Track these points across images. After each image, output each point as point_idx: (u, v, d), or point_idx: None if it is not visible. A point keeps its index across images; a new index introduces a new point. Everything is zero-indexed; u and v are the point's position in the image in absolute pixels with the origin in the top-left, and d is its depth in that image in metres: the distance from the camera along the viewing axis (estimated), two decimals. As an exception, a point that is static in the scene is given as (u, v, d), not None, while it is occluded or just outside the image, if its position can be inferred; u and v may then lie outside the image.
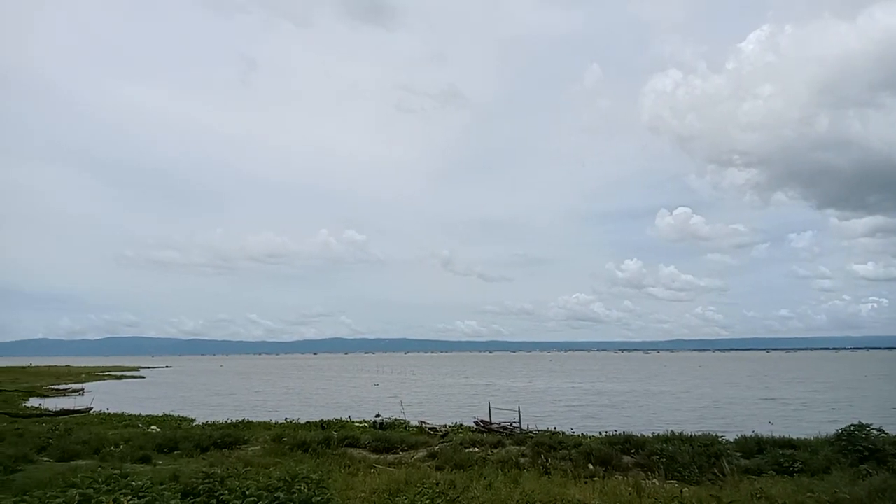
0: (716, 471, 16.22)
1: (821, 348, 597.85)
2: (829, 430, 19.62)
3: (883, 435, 17.18)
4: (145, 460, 18.80)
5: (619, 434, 21.53)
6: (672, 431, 21.46)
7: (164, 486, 9.49)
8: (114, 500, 7.79)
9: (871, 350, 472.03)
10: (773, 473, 15.62)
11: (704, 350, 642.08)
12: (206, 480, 10.14)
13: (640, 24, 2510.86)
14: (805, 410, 46.26)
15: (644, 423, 35.71)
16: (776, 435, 20.82)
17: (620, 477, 15.70)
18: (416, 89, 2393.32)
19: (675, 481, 15.49)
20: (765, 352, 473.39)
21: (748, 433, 21.67)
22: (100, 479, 8.94)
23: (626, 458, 18.98)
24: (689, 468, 17.10)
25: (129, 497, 8.08)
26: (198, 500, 9.24)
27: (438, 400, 59.13)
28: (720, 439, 19.87)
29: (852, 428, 17.42)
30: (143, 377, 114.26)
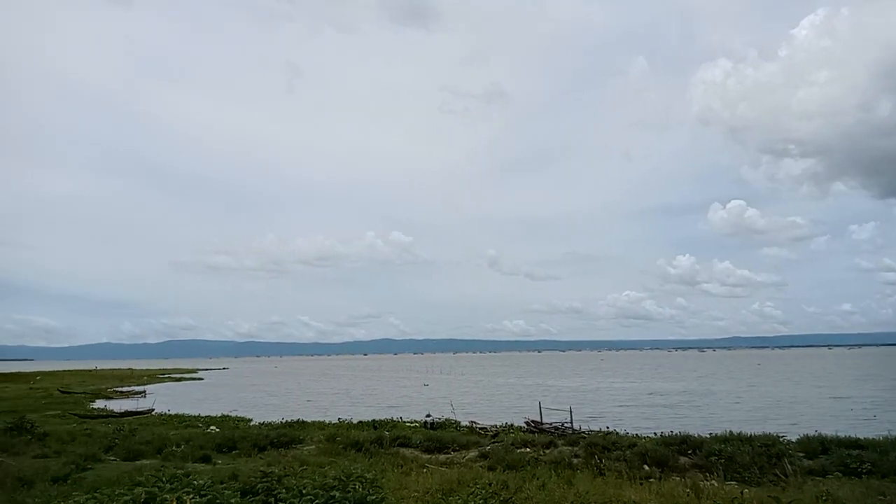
0: (777, 472, 15.67)
1: (887, 344, 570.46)
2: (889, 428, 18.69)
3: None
4: (205, 460, 19.38)
5: (676, 434, 21.04)
6: (730, 431, 20.88)
7: (224, 485, 9.78)
8: (177, 499, 8.08)
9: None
10: (840, 475, 15.01)
11: (762, 347, 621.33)
12: (264, 479, 10.39)
13: (687, 14, 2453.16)
14: (876, 409, 44.21)
15: (701, 423, 34.74)
16: (842, 435, 19.99)
17: (677, 478, 15.34)
18: (458, 90, 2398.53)
19: (734, 483, 15.04)
20: (827, 348, 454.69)
21: (811, 433, 20.87)
22: (164, 478, 9.29)
23: (683, 459, 18.53)
24: (749, 469, 16.57)
25: (191, 495, 8.37)
26: (256, 498, 9.48)
27: (488, 400, 58.94)
28: (781, 439, 19.21)
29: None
30: (201, 379, 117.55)
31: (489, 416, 38.82)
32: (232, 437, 23.69)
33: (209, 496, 8.51)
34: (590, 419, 34.49)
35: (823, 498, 10.36)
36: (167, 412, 44.70)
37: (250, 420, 38.22)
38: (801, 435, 20.63)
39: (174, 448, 21.64)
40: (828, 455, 17.62)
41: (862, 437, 19.52)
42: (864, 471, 15.50)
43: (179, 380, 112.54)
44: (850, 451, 17.27)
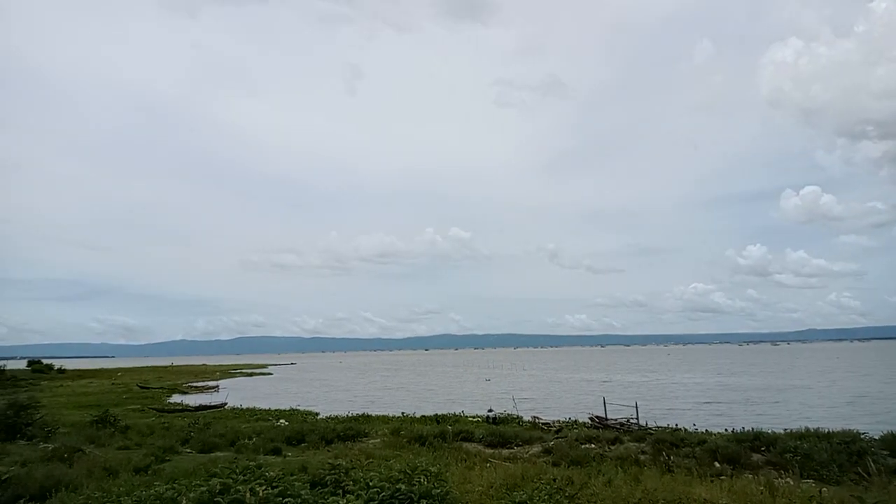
0: (859, 470, 14.90)
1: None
2: None
3: None
4: (276, 452, 20.02)
5: (748, 431, 20.33)
6: (807, 428, 20.00)
7: (294, 477, 10.08)
8: (250, 490, 8.38)
9: None
10: (929, 474, 14.14)
11: (841, 340, 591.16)
12: (332, 471, 10.63)
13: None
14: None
15: (778, 420, 33.40)
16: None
17: (750, 476, 14.80)
18: (515, 83, 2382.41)
19: (811, 481, 14.39)
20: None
21: (888, 429, 19.72)
22: (237, 470, 9.65)
23: (756, 456, 17.89)
24: (827, 467, 15.84)
25: (263, 487, 8.66)
26: (325, 489, 9.72)
27: (551, 395, 58.44)
28: (863, 436, 18.25)
29: None
30: (270, 374, 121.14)
31: (552, 412, 38.52)
32: (300, 430, 24.37)
33: (280, 487, 8.78)
34: (657, 415, 33.68)
35: (911, 499, 9.78)
36: (239, 406, 46.30)
37: (317, 413, 39.15)
38: (886, 431, 19.52)
39: (246, 441, 22.44)
40: (915, 453, 16.64)
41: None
42: (956, 470, 14.55)
43: (250, 375, 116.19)
44: (939, 450, 16.27)
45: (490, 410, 34.13)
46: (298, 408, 43.95)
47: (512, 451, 20.77)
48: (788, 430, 20.23)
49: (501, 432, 22.98)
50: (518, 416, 32.56)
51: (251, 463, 10.78)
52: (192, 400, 54.97)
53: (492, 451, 20.65)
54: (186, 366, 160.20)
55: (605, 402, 33.43)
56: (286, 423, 29.85)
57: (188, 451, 20.69)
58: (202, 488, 8.46)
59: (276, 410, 41.97)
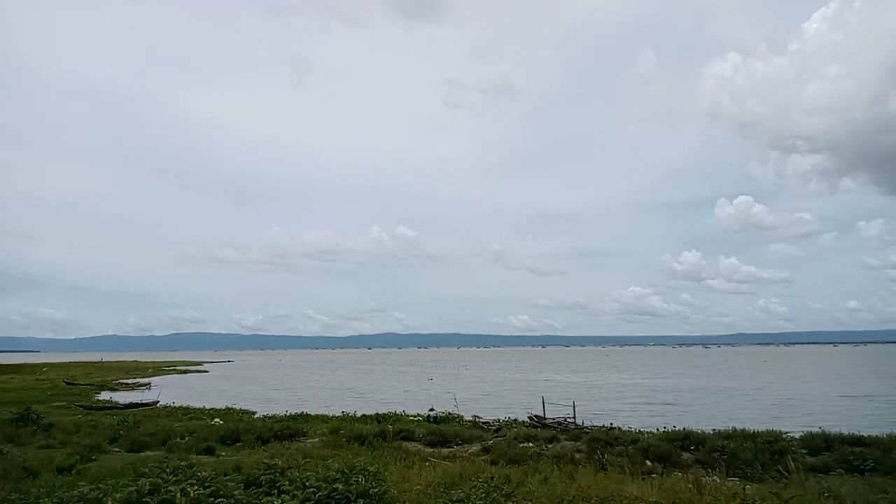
0: (780, 468, 15.67)
1: (893, 342, 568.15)
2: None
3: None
4: (209, 451, 19.50)
5: (678, 430, 21.08)
6: (734, 428, 20.87)
7: (227, 477, 9.85)
8: (181, 490, 8.13)
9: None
10: (842, 472, 15.00)
11: (768, 344, 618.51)
12: (268, 471, 10.45)
13: (697, 7, 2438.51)
14: (881, 408, 44.07)
15: (709, 420, 34.66)
16: (845, 432, 19.95)
17: (679, 474, 15.34)
18: (465, 84, 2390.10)
19: (736, 479, 15.04)
20: (832, 345, 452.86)
21: (813, 429, 20.83)
22: (168, 470, 9.35)
23: (686, 455, 18.56)
24: (751, 465, 16.60)
25: (195, 487, 8.42)
26: (260, 490, 9.54)
27: (492, 395, 59.02)
28: (785, 436, 19.20)
29: (929, 425, 16.55)
30: (206, 371, 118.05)
31: (493, 411, 38.88)
32: (236, 429, 23.82)
33: (213, 487, 8.55)
34: (594, 415, 34.45)
35: (825, 495, 10.35)
36: (172, 404, 44.89)
37: (254, 412, 38.37)
38: (805, 432, 20.59)
39: (178, 440, 21.78)
40: (831, 452, 17.63)
41: (865, 435, 19.47)
42: (867, 468, 15.50)
43: (184, 372, 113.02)
44: (853, 449, 17.27)
45: (431, 409, 34.17)
46: (234, 406, 42.90)
47: (452, 449, 20.87)
48: (717, 430, 21.05)
49: (442, 431, 23.05)
50: (459, 416, 32.73)
51: (183, 463, 10.46)
52: (123, 397, 52.92)
53: (432, 449, 20.70)
54: (117, 362, 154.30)
55: (543, 402, 33.96)
56: (221, 422, 29.10)
57: (116, 450, 19.93)
58: (130, 488, 8.14)
59: (210, 409, 40.83)
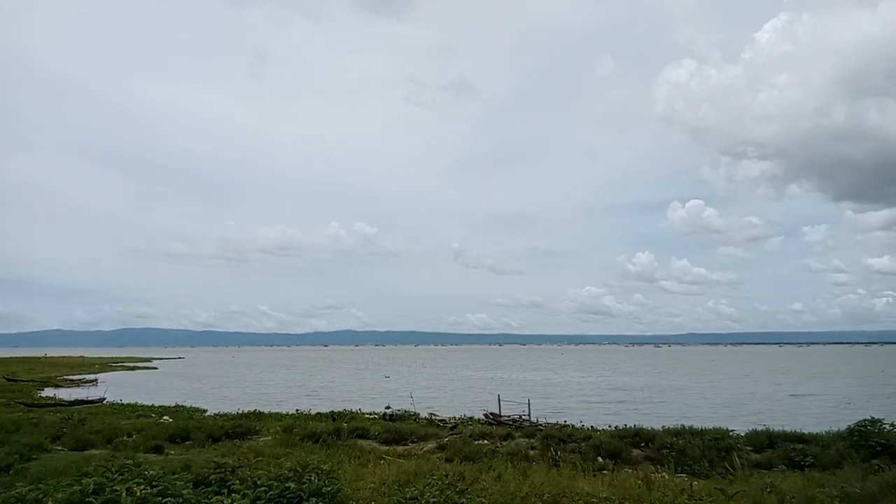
0: (726, 465, 16.18)
1: (834, 342, 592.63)
2: (844, 425, 19.39)
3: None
4: (158, 450, 19.03)
5: (629, 427, 21.50)
6: (683, 425, 21.39)
7: (176, 476, 9.60)
8: (127, 489, 7.89)
9: (885, 345, 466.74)
10: (784, 468, 15.56)
11: (716, 344, 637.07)
12: (218, 470, 10.25)
13: (655, 14, 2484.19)
14: (824, 406, 45.91)
15: (661, 418, 35.47)
16: (788, 429, 20.70)
17: (630, 470, 15.69)
18: (426, 82, 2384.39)
19: (684, 475, 15.46)
20: (777, 346, 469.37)
21: (759, 427, 21.53)
22: (113, 469, 9.06)
23: (636, 452, 18.97)
24: (699, 462, 17.07)
25: (141, 486, 8.18)
26: (209, 489, 9.35)
27: (449, 392, 59.23)
28: (731, 433, 19.79)
29: (865, 423, 17.28)
30: (155, 368, 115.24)
31: (449, 409, 38.99)
32: (186, 427, 23.30)
33: (161, 487, 8.32)
34: (549, 413, 34.89)
35: (768, 490, 10.72)
36: (119, 401, 43.69)
37: (205, 410, 37.62)
38: (751, 429, 21.27)
39: (125, 438, 21.17)
40: (774, 449, 18.26)
41: (806, 432, 20.22)
42: (807, 464, 16.12)
43: (133, 369, 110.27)
44: (794, 446, 17.92)
45: (387, 407, 34.08)
46: (185, 404, 41.95)
47: (407, 447, 20.85)
48: (666, 428, 21.55)
49: (397, 429, 22.99)
50: (415, 413, 32.71)
51: (129, 461, 10.15)
52: (67, 394, 51.15)
53: (387, 447, 20.64)
54: (62, 357, 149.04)
55: (499, 400, 34.23)
56: (170, 420, 28.42)
57: (59, 448, 19.23)
58: (73, 488, 7.86)
59: (159, 406, 39.83)
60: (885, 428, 16.88)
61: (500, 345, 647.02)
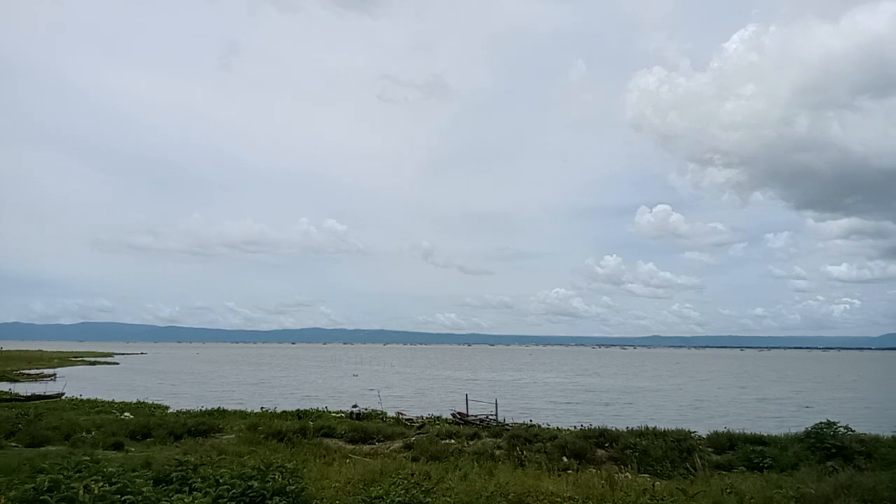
0: (688, 465, 16.49)
1: (794, 347, 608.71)
2: (803, 427, 19.90)
3: (850, 433, 17.57)
4: (117, 447, 18.61)
5: (594, 428, 21.77)
6: (646, 426, 21.73)
7: (136, 473, 9.39)
8: (84, 487, 7.69)
9: (841, 350, 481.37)
10: (744, 469, 15.93)
11: (680, 347, 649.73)
12: (179, 468, 10.06)
13: (628, 20, 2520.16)
14: (785, 409, 47.06)
15: (624, 419, 36.01)
16: (748, 431, 21.18)
17: (594, 470, 15.87)
18: (400, 79, 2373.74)
19: (647, 475, 15.71)
20: (739, 350, 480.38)
21: (721, 429, 22.00)
22: (70, 466, 8.82)
23: (601, 452, 19.21)
24: (661, 462, 17.38)
25: (99, 483, 7.98)
26: (170, 487, 9.16)
27: (417, 392, 59.18)
28: (693, 435, 20.17)
29: (821, 425, 17.78)
30: (117, 363, 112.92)
31: (417, 408, 38.99)
32: (147, 424, 22.86)
33: (120, 484, 8.12)
34: (517, 413, 35.15)
35: (728, 491, 10.94)
36: (79, 397, 42.69)
37: (167, 407, 37.01)
38: (711, 431, 21.72)
39: (84, 434, 20.65)
40: (734, 451, 18.70)
41: (765, 434, 20.73)
42: (766, 465, 16.54)
43: (93, 364, 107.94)
44: (754, 447, 18.36)
45: (354, 406, 33.93)
46: (146, 400, 41.16)
47: (373, 446, 20.79)
48: (630, 428, 21.87)
49: (364, 428, 22.90)
50: (383, 413, 32.62)
51: (86, 458, 9.90)
52: (24, 389, 49.71)
53: (353, 446, 20.54)
54: (19, 351, 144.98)
55: (467, 399, 34.36)
56: (131, 417, 27.86)
57: (14, 445, 18.66)
58: (27, 486, 7.63)
59: (120, 403, 39.01)
60: (840, 430, 17.42)
61: (469, 345, 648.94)
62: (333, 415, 31.62)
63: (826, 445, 16.81)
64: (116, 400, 40.95)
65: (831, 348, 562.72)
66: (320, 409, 34.47)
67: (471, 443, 20.60)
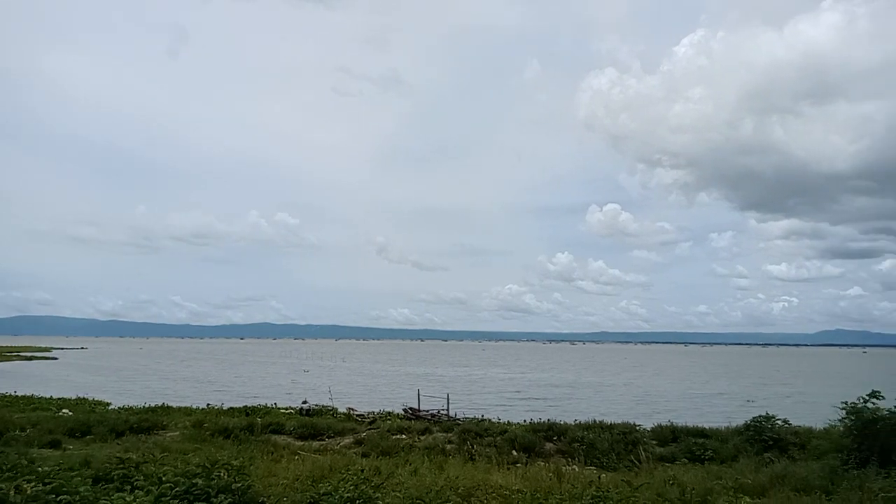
0: (633, 458, 16.92)
1: (734, 343, 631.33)
2: (741, 420, 20.64)
3: (786, 425, 18.33)
4: (55, 445, 17.89)
5: (543, 422, 22.10)
6: (594, 420, 22.18)
7: (74, 472, 9.08)
8: (15, 487, 7.40)
9: (780, 346, 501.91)
10: (686, 461, 16.40)
11: (627, 342, 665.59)
12: (120, 466, 9.80)
13: (582, 21, 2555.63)
14: (729, 403, 48.70)
15: (574, 412, 36.57)
16: (691, 424, 21.88)
17: (542, 463, 16.12)
18: (355, 72, 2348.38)
19: (593, 467, 16.06)
20: (683, 345, 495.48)
21: (664, 422, 22.63)
22: (2, 466, 8.47)
23: (549, 445, 19.52)
24: (607, 455, 17.80)
25: (32, 483, 7.69)
26: (111, 485, 8.90)
27: (369, 387, 58.96)
28: (638, 428, 20.71)
29: (760, 419, 18.48)
30: (55, 358, 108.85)
31: (369, 404, 38.79)
32: (87, 421, 22.01)
33: (55, 484, 7.84)
34: (469, 408, 35.37)
35: (670, 482, 11.26)
36: (13, 393, 40.84)
37: (108, 404, 35.83)
38: (656, 424, 22.34)
39: (18, 432, 19.74)
40: (677, 443, 19.25)
41: (707, 427, 21.43)
42: (707, 457, 17.10)
43: (30, 358, 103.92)
44: (696, 440, 18.96)
45: (304, 402, 33.53)
46: (87, 397, 39.72)
47: (323, 442, 20.58)
48: (578, 422, 22.29)
49: (314, 424, 22.64)
50: (333, 409, 32.34)
51: (20, 457, 9.51)
52: (-47, 386, 47.41)
53: (302, 443, 20.29)
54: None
55: (419, 394, 34.41)
56: (70, 414, 26.85)
57: (-60, 444, 17.75)
58: (-48, 487, 7.29)
59: (59, 399, 37.52)
60: (777, 423, 18.15)
61: (422, 340, 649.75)
62: (283, 411, 31.18)
63: (764, 438, 17.48)
64: (55, 396, 39.38)
65: (770, 344, 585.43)
66: (269, 405, 33.95)
67: (422, 438, 20.62)
